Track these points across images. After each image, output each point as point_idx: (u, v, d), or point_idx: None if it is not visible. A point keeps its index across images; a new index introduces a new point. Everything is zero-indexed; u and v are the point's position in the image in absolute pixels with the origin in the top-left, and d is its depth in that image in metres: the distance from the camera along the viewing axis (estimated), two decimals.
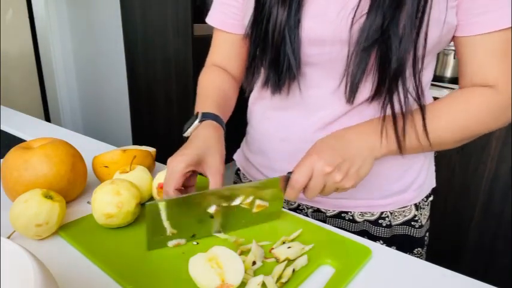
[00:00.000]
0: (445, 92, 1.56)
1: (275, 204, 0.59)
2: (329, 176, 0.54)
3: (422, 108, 0.57)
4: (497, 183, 1.54)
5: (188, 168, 0.55)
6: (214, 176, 0.56)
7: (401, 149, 0.58)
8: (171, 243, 0.54)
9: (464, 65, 0.60)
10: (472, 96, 0.59)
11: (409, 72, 0.55)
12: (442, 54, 1.77)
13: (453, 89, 1.59)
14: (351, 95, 0.58)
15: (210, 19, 0.75)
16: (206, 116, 0.63)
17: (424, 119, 0.57)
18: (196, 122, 0.62)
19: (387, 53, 0.53)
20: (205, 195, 0.54)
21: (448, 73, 1.79)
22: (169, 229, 0.53)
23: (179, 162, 0.55)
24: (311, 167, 0.54)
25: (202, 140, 0.59)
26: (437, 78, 1.77)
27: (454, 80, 1.75)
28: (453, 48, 1.72)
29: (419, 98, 0.56)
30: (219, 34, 0.75)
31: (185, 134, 0.63)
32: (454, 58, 1.75)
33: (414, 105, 0.58)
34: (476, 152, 1.56)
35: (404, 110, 0.56)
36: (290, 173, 0.56)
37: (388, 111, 0.57)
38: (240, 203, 0.56)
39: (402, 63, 0.53)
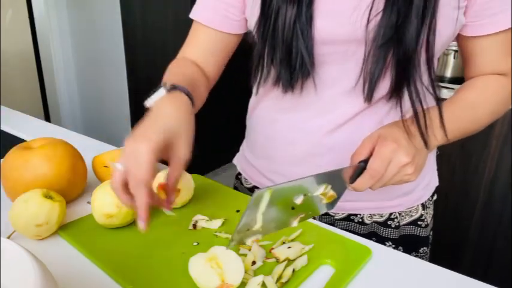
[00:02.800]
0: (445, 92, 1.56)
1: (338, 197, 0.56)
2: (403, 169, 0.51)
3: (439, 104, 0.57)
4: (497, 182, 1.54)
5: (157, 158, 0.45)
6: (176, 169, 0.49)
7: (426, 145, 0.56)
8: (249, 240, 0.50)
9: (472, 61, 0.63)
10: (492, 81, 0.62)
11: (424, 68, 0.55)
12: (442, 54, 1.76)
13: (453, 89, 1.59)
14: (369, 94, 0.58)
15: (198, 15, 0.69)
16: (176, 87, 0.54)
17: (441, 115, 0.57)
18: (163, 90, 0.52)
19: (403, 50, 0.53)
20: (307, 181, 0.50)
21: (448, 73, 1.79)
22: (259, 223, 0.48)
23: (146, 150, 0.44)
24: (390, 156, 0.50)
25: (169, 119, 0.49)
26: (437, 78, 1.77)
27: (454, 80, 1.75)
28: (453, 48, 1.72)
29: (435, 92, 0.56)
30: (202, 29, 0.69)
31: (148, 104, 0.54)
32: (454, 58, 1.75)
33: (431, 102, 0.58)
34: (477, 151, 1.56)
35: (423, 105, 0.56)
36: (362, 161, 0.52)
37: (405, 109, 0.56)
38: (322, 193, 0.52)
39: (417, 58, 0.54)
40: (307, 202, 0.52)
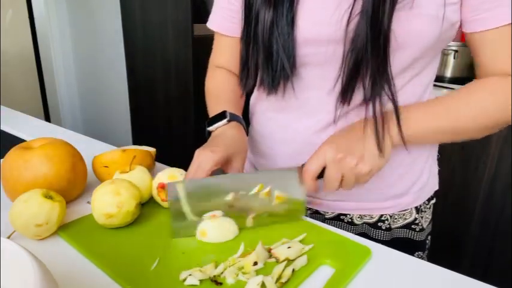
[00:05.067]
0: (445, 92, 1.56)
1: (296, 199, 0.58)
2: (343, 162, 0.54)
3: (396, 108, 0.56)
4: (497, 182, 1.54)
5: (216, 166, 0.56)
6: None
7: (380, 149, 0.56)
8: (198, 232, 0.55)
9: (476, 58, 0.61)
10: (490, 84, 0.59)
11: (384, 72, 0.54)
12: (442, 54, 1.76)
13: (453, 89, 1.59)
14: (346, 96, 0.58)
15: (211, 23, 0.75)
16: (233, 117, 0.65)
17: (398, 119, 0.56)
18: (225, 120, 0.64)
19: (355, 51, 0.53)
20: (222, 178, 0.54)
21: (448, 73, 1.79)
22: (189, 216, 0.53)
23: (210, 157, 0.56)
24: (323, 156, 0.55)
25: (231, 140, 0.61)
26: (437, 78, 1.77)
27: (454, 80, 1.75)
28: (453, 48, 1.72)
29: (393, 96, 0.55)
30: (221, 38, 0.76)
31: (210, 128, 0.65)
32: (454, 58, 1.75)
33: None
34: (476, 151, 1.56)
35: (381, 108, 0.56)
36: (304, 165, 0.56)
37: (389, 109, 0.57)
38: (258, 191, 0.55)
39: (375, 61, 0.53)
40: (246, 204, 0.55)
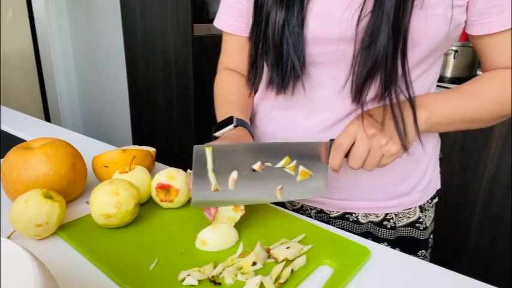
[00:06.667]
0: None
1: (318, 177, 0.59)
2: (374, 139, 0.54)
3: (413, 106, 0.56)
4: (497, 183, 1.54)
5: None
6: None
7: (405, 147, 0.56)
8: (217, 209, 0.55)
9: (484, 57, 0.62)
10: (501, 76, 0.60)
11: (402, 70, 0.55)
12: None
13: None
14: (356, 95, 0.58)
15: (218, 22, 0.75)
16: (240, 123, 0.66)
17: (415, 117, 0.56)
18: (231, 126, 0.65)
19: (375, 52, 0.53)
20: (251, 146, 0.56)
21: (448, 73, 1.79)
22: (214, 182, 0.53)
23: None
24: (355, 131, 0.54)
25: (234, 136, 0.62)
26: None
27: (454, 80, 1.75)
28: (453, 48, 1.72)
29: (410, 97, 0.55)
30: (228, 37, 0.75)
31: (216, 134, 0.65)
32: (454, 58, 1.75)
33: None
34: (476, 152, 1.56)
35: (400, 110, 0.55)
36: (332, 140, 0.57)
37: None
38: (284, 165, 0.56)
39: (396, 62, 0.53)
40: (272, 172, 0.56)
